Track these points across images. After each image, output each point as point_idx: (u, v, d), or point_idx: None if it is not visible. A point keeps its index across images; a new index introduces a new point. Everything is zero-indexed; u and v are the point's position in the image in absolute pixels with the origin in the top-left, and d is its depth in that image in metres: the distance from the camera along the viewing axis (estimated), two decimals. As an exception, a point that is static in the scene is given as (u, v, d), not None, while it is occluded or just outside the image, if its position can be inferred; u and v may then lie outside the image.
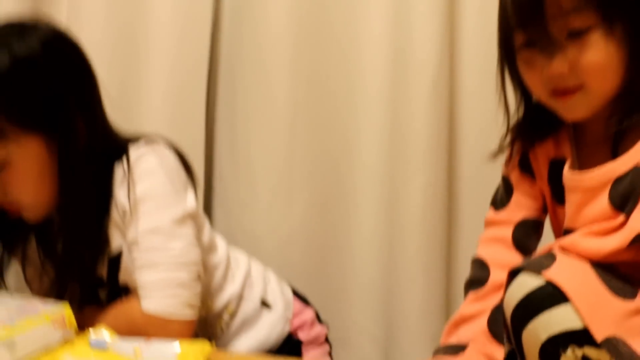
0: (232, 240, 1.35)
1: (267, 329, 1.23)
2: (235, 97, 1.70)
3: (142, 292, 1.02)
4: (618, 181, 0.90)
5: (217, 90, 1.74)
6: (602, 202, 0.91)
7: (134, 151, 1.05)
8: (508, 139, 1.09)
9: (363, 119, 1.63)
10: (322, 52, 1.65)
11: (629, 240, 0.87)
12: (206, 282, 1.13)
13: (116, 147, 1.07)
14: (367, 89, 1.63)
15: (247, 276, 1.24)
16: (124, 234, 1.06)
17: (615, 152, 0.92)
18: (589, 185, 0.93)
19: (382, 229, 1.62)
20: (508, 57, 0.99)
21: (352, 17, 1.63)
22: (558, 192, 1.02)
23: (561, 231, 1.01)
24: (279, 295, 1.28)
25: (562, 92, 0.93)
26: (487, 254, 1.09)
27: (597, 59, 0.89)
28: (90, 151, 1.03)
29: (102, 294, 1.12)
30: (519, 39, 0.94)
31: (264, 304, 1.25)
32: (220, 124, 1.74)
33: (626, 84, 0.91)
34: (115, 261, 1.08)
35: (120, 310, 1.07)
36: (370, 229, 1.63)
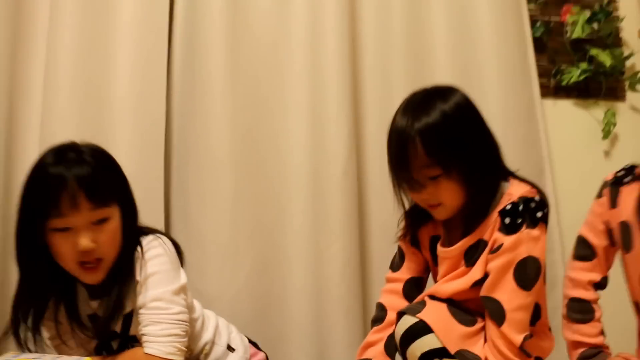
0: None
1: (233, 366, 1.56)
2: (188, 182, 1.98)
3: (147, 339, 1.34)
4: (469, 249, 1.37)
5: (171, 175, 2.03)
6: (461, 264, 1.39)
7: (145, 240, 1.40)
8: (402, 222, 1.52)
9: (292, 198, 1.99)
10: (257, 145, 2.00)
11: (470, 284, 1.35)
12: (189, 332, 1.44)
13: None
14: (294, 175, 1.99)
15: (217, 327, 1.57)
16: (134, 300, 1.38)
17: (466, 234, 1.38)
18: (452, 255, 1.40)
19: (311, 284, 1.95)
20: (393, 179, 1.40)
21: (280, 120, 2.01)
22: (435, 258, 1.47)
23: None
24: (240, 341, 1.61)
25: (427, 206, 1.38)
26: (385, 301, 1.50)
27: (445, 190, 1.33)
28: (135, 228, 1.40)
29: (115, 345, 1.43)
30: None
31: (229, 348, 1.57)
32: (174, 204, 2.01)
33: (467, 199, 1.36)
34: (128, 319, 1.40)
35: (128, 356, 1.37)
36: (302, 284, 1.95)
